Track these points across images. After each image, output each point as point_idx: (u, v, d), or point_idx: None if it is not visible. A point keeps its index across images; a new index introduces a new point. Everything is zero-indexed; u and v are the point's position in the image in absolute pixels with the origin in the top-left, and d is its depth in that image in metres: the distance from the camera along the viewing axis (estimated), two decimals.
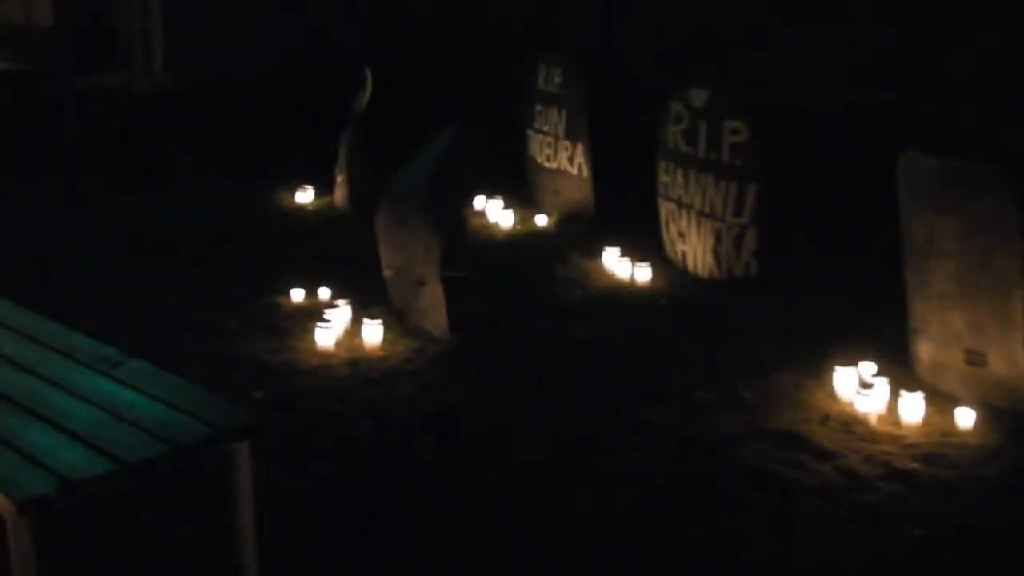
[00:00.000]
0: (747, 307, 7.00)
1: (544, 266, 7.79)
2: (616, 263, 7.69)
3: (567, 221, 8.84)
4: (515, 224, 8.82)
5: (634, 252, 7.76)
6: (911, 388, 5.60)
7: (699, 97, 7.51)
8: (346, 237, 8.47)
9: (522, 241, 8.48)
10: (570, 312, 6.98)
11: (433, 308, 6.54)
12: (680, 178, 7.70)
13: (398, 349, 6.36)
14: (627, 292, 7.34)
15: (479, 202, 9.34)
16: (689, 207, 7.64)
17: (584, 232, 8.56)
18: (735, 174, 7.30)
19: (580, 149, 8.80)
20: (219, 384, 5.60)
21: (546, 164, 9.22)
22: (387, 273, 6.93)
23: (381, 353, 6.30)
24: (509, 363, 6.15)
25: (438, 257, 6.43)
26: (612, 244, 7.94)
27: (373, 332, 6.36)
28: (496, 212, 9.09)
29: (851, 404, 5.68)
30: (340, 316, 6.54)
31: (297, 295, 7.11)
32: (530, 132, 9.49)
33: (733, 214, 7.35)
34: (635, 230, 8.23)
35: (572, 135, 8.88)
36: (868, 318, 6.68)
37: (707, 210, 7.50)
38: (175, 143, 10.98)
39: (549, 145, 9.16)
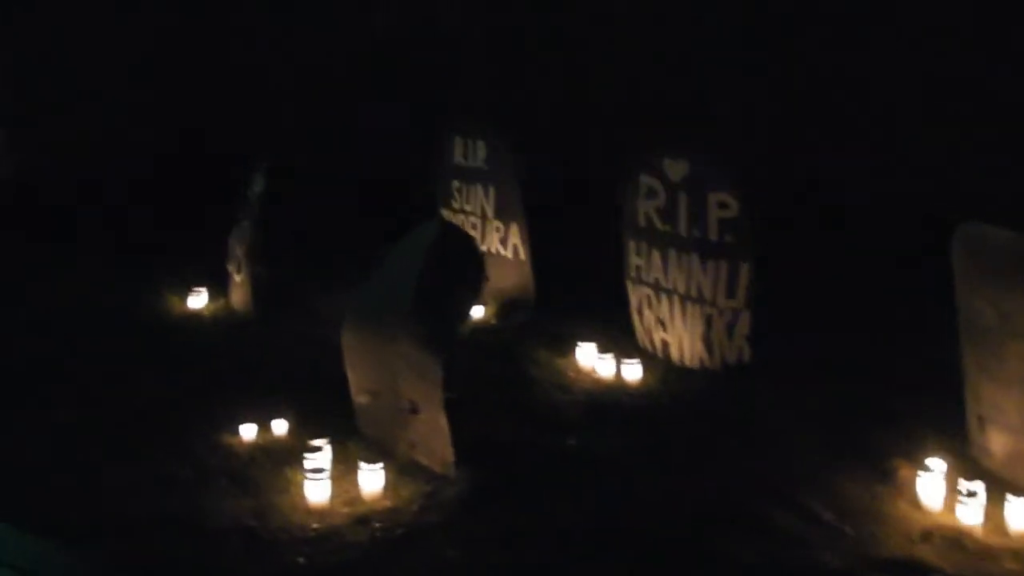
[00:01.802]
0: (761, 399, 6.27)
1: (512, 368, 6.89)
2: (594, 360, 6.81)
3: (507, 309, 7.92)
4: None
5: (602, 343, 6.96)
6: (976, 480, 5.07)
7: (676, 169, 6.76)
8: (264, 349, 7.36)
9: (469, 338, 7.48)
10: (573, 424, 6.11)
11: (431, 439, 5.53)
12: (657, 260, 6.92)
13: (404, 495, 5.34)
14: (622, 394, 6.52)
15: None
16: (670, 291, 6.87)
17: (531, 322, 7.66)
18: (725, 253, 6.56)
19: (514, 229, 7.94)
20: (209, 568, 4.62)
21: None
22: (361, 399, 5.87)
23: (387, 503, 5.27)
24: (538, 501, 5.24)
25: (439, 379, 5.41)
26: (570, 334, 7.18)
27: (373, 478, 5.29)
28: None
29: (943, 512, 5.12)
30: (322, 461, 5.42)
31: (247, 431, 5.94)
32: (446, 212, 8.52)
33: (725, 296, 6.60)
34: (587, 317, 7.41)
35: (504, 214, 8.00)
36: (897, 402, 6.18)
37: (693, 294, 6.72)
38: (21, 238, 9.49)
39: (474, 227, 8.24)
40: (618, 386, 6.62)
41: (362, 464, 5.37)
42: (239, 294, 8.09)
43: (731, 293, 6.60)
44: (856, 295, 7.66)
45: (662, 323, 6.96)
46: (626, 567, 4.68)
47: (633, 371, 6.65)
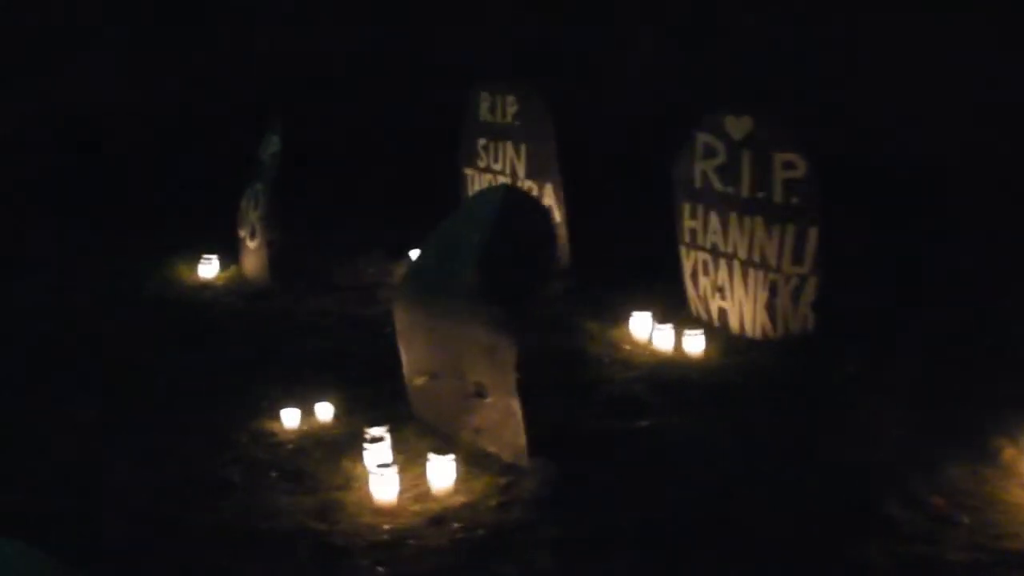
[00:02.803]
0: (836, 373, 5.82)
1: (566, 341, 6.39)
2: (650, 331, 6.34)
3: None
4: None
5: (656, 313, 6.54)
6: None
7: (739, 126, 6.28)
8: (288, 323, 6.84)
9: None
10: (642, 405, 5.65)
11: (501, 426, 5.06)
12: (715, 223, 6.45)
13: (477, 489, 4.86)
14: (687, 369, 6.05)
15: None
16: (730, 256, 6.39)
17: (573, 289, 7.16)
18: (792, 215, 6.10)
19: (549, 190, 7.44)
20: None
21: None
22: (417, 381, 5.36)
23: (460, 498, 4.78)
24: (624, 495, 4.76)
25: (511, 362, 4.93)
26: (617, 303, 6.77)
27: (444, 470, 4.80)
28: None
29: None
30: (384, 452, 4.93)
31: (290, 418, 5.43)
32: (470, 171, 8.03)
33: (791, 262, 6.14)
34: (630, 284, 6.95)
35: (537, 174, 7.50)
36: (980, 376, 5.77)
37: (757, 259, 6.26)
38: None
39: None
40: (681, 360, 6.17)
41: (431, 455, 4.87)
42: (253, 262, 7.55)
43: (797, 258, 6.16)
44: (926, 265, 7.21)
45: (720, 290, 6.51)
46: (736, 572, 4.21)
47: (695, 343, 6.19)
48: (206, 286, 7.55)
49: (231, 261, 7.79)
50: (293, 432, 5.42)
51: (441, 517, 4.65)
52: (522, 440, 5.01)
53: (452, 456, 4.89)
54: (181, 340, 6.57)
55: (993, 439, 5.12)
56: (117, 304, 7.17)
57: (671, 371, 6.03)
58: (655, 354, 6.25)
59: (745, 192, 6.28)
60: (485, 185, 7.93)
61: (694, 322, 6.62)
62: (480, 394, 5.12)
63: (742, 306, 6.41)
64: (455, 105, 8.18)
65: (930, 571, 4.24)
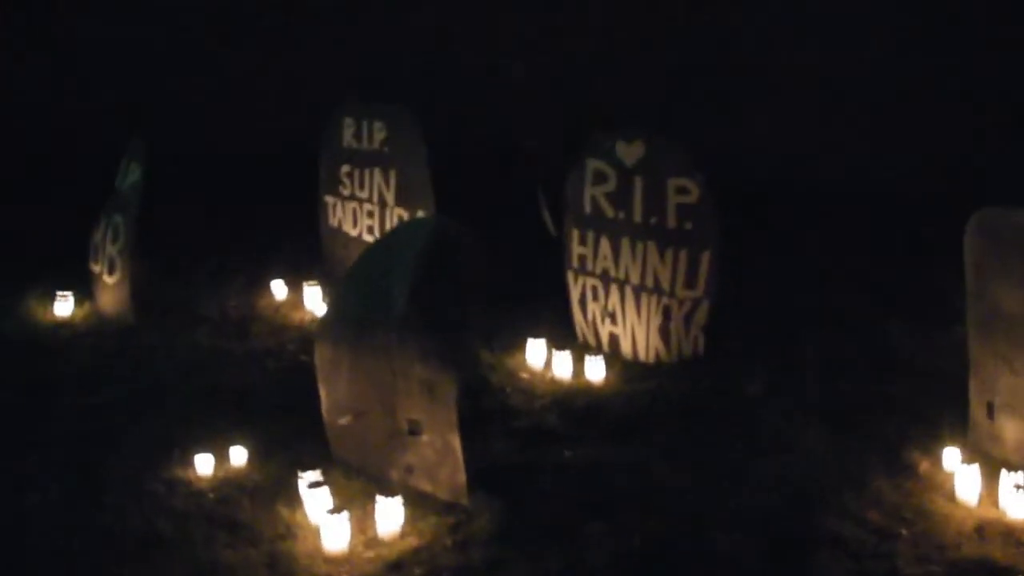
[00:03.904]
0: (741, 393, 5.98)
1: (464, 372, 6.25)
2: (546, 358, 6.34)
3: None
4: None
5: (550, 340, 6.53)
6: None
7: (630, 152, 6.36)
8: (164, 362, 6.54)
9: None
10: (559, 435, 5.66)
11: (438, 464, 4.97)
12: (606, 248, 6.52)
13: (425, 529, 4.76)
14: (593, 396, 6.06)
15: (278, 289, 7.57)
16: (622, 282, 6.46)
17: None
18: (685, 240, 6.22)
19: (421, 216, 7.29)
20: None
21: (366, 236, 7.61)
22: (342, 420, 5.19)
23: (412, 541, 4.66)
24: (576, 528, 4.74)
25: (451, 397, 4.84)
26: (504, 329, 6.70)
27: (392, 513, 4.67)
28: (315, 300, 7.39)
29: (983, 506, 4.94)
30: (325, 496, 4.76)
31: (203, 464, 5.17)
32: (331, 199, 7.83)
33: (684, 286, 6.27)
34: (512, 310, 6.93)
35: (408, 200, 7.36)
36: (871, 388, 6.08)
37: (649, 284, 6.36)
38: None
39: (370, 214, 7.56)
40: (584, 387, 6.19)
41: (379, 498, 4.71)
42: (112, 298, 7.14)
43: (690, 283, 6.27)
44: (811, 282, 7.48)
45: (611, 316, 6.55)
46: None
47: (596, 369, 6.21)
48: (63, 325, 7.09)
49: (84, 297, 7.31)
50: (209, 479, 5.16)
51: (399, 563, 4.52)
52: (462, 477, 4.92)
53: (400, 498, 4.72)
54: (55, 386, 6.13)
55: (907, 453, 5.35)
56: None
57: (578, 399, 6.03)
58: (555, 382, 6.25)
59: (637, 217, 6.35)
60: (348, 213, 7.77)
61: (583, 348, 6.63)
62: (414, 431, 4.99)
63: (634, 331, 6.48)
64: (311, 130, 7.94)
65: None
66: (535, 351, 6.42)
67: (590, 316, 6.68)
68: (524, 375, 6.33)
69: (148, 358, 6.55)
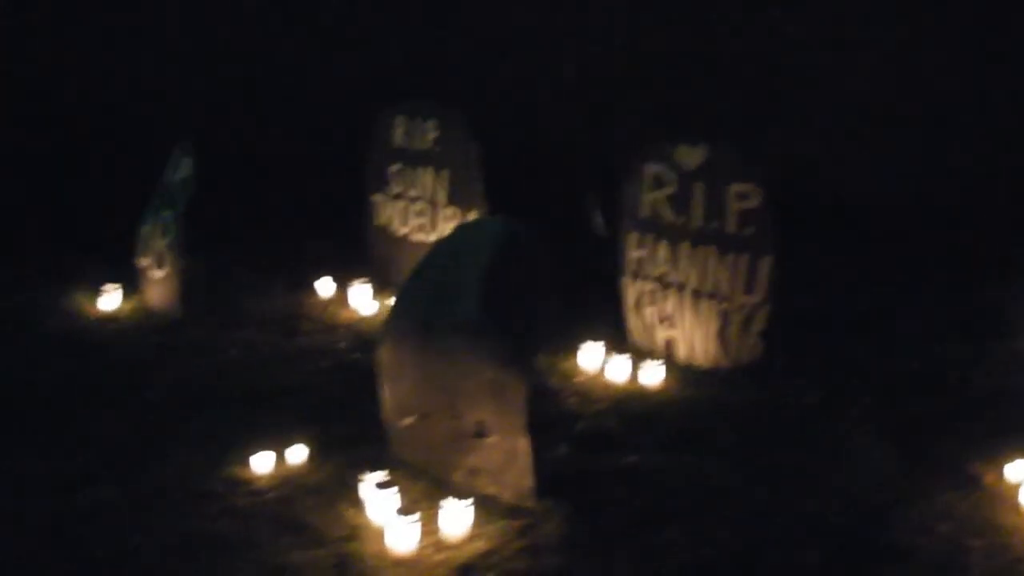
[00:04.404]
0: (800, 404, 5.87)
1: None
2: (601, 362, 6.27)
3: None
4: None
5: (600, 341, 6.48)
6: None
7: (691, 156, 6.29)
8: (216, 356, 6.50)
9: None
10: (621, 440, 5.56)
11: (504, 467, 4.90)
12: (664, 252, 6.43)
13: (492, 533, 4.66)
14: (652, 401, 6.01)
15: (325, 288, 7.51)
16: (680, 286, 6.38)
17: None
18: (745, 245, 6.15)
19: (473, 216, 7.25)
20: None
21: (415, 236, 7.54)
22: (405, 421, 5.12)
23: (480, 544, 4.57)
24: (650, 536, 4.67)
25: (521, 400, 4.76)
26: (554, 332, 6.48)
27: (459, 516, 4.59)
28: (364, 298, 7.32)
29: None
30: (392, 498, 4.69)
31: (262, 463, 5.10)
32: (379, 198, 7.76)
33: (744, 291, 6.19)
34: (562, 312, 6.82)
35: (460, 200, 7.32)
36: (938, 401, 5.98)
37: (708, 289, 6.28)
38: None
39: (420, 213, 7.49)
40: (641, 392, 6.11)
41: (447, 500, 4.63)
42: (160, 292, 7.09)
43: (750, 288, 6.19)
44: (862, 294, 7.40)
45: (667, 320, 6.48)
46: None
47: (654, 374, 6.14)
48: (110, 319, 7.02)
49: (131, 291, 7.26)
50: (269, 478, 5.09)
51: (468, 566, 4.45)
52: (528, 481, 4.85)
53: (469, 501, 4.65)
54: (104, 382, 6.06)
55: (971, 465, 5.25)
56: (20, 346, 6.56)
57: (635, 404, 5.96)
58: (611, 386, 6.17)
59: (697, 222, 6.28)
60: (397, 212, 7.70)
61: (638, 352, 6.56)
62: (480, 434, 4.92)
63: (692, 336, 6.40)
64: (356, 129, 7.88)
65: None
66: (590, 354, 6.33)
67: (646, 320, 6.60)
68: (579, 379, 6.26)
69: (197, 354, 6.50)
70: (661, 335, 6.56)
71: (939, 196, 8.33)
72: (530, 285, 5.00)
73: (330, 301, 7.44)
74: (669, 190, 6.37)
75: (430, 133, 7.39)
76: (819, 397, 5.95)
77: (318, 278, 7.60)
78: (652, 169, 6.41)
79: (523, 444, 4.80)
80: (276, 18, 9.52)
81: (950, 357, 6.51)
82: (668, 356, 6.51)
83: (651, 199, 6.45)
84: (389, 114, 7.62)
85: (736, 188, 6.16)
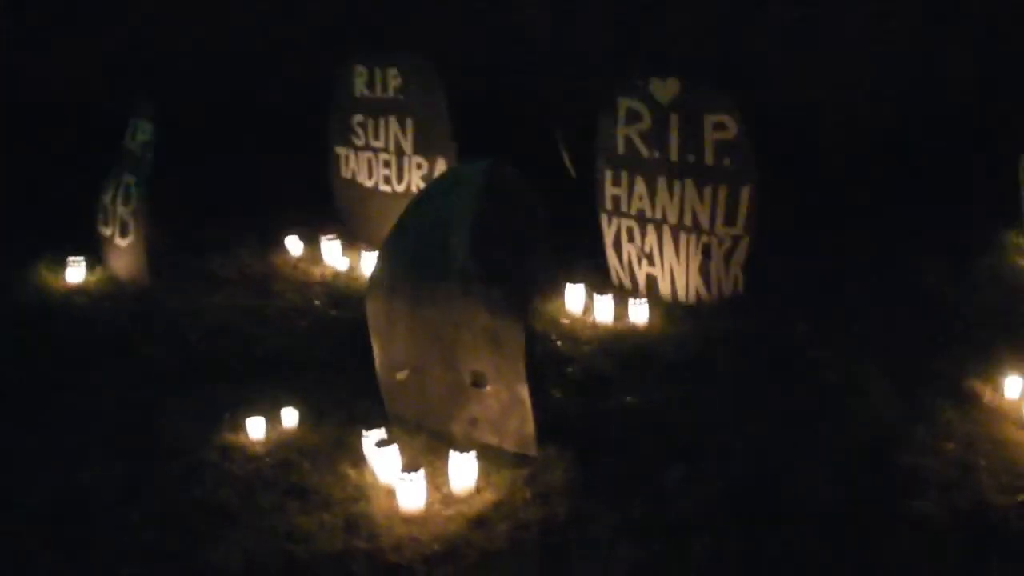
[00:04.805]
0: (788, 330, 5.84)
1: None
2: (585, 303, 6.19)
3: None
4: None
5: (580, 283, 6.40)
6: None
7: (665, 90, 6.19)
8: (191, 321, 6.36)
9: None
10: (615, 380, 5.50)
11: (504, 416, 4.82)
12: (641, 188, 6.36)
13: (499, 484, 4.59)
14: (642, 339, 5.96)
15: (294, 246, 7.36)
16: (659, 222, 6.31)
17: None
18: (724, 177, 6.08)
19: (442, 165, 7.12)
20: None
21: (383, 187, 7.40)
22: (399, 375, 5.02)
23: (490, 496, 4.51)
24: (654, 476, 4.64)
25: (519, 347, 4.69)
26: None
27: (465, 468, 4.51)
28: (334, 254, 7.18)
29: None
30: (393, 455, 4.60)
31: (255, 427, 4.99)
32: (343, 150, 7.61)
33: (724, 224, 6.13)
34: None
35: (428, 149, 7.16)
36: (920, 320, 6.02)
37: (688, 223, 6.21)
38: None
39: (387, 164, 7.34)
40: (629, 331, 6.05)
41: (452, 453, 4.55)
42: (126, 261, 6.90)
43: (730, 220, 6.12)
44: (834, 220, 7.37)
45: (648, 256, 6.40)
46: (815, 537, 4.16)
47: (640, 312, 6.07)
48: (77, 291, 6.82)
49: (96, 261, 7.06)
50: (264, 443, 4.97)
51: (481, 519, 4.38)
52: (530, 428, 4.79)
53: (473, 453, 4.57)
54: (87, 354, 5.89)
55: (967, 384, 5.26)
56: None
57: (625, 343, 5.90)
58: (598, 326, 6.10)
59: (674, 156, 6.20)
60: (363, 164, 7.55)
61: (619, 290, 6.49)
62: (478, 384, 4.83)
63: (673, 271, 6.35)
64: (317, 80, 7.69)
65: (984, 517, 4.27)
66: (574, 296, 6.25)
67: (625, 258, 6.54)
68: (565, 321, 6.19)
69: (172, 322, 6.33)
70: (642, 272, 6.48)
71: (894, 118, 8.32)
72: (522, 228, 4.88)
73: (300, 258, 7.28)
74: (644, 125, 6.25)
75: (392, 81, 7.20)
76: (809, 326, 5.88)
77: (285, 235, 7.42)
78: (625, 103, 6.29)
79: (523, 392, 4.72)
80: None
81: (929, 277, 6.50)
82: (650, 293, 6.42)
83: (625, 134, 6.33)
84: (349, 63, 7.41)
85: (712, 119, 6.07)
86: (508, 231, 4.84)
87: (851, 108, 8.17)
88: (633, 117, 6.28)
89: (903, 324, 5.93)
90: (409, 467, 4.48)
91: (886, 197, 7.72)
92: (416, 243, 4.93)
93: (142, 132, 6.77)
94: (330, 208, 7.74)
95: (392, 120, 7.28)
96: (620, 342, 5.90)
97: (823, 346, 5.70)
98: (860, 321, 5.96)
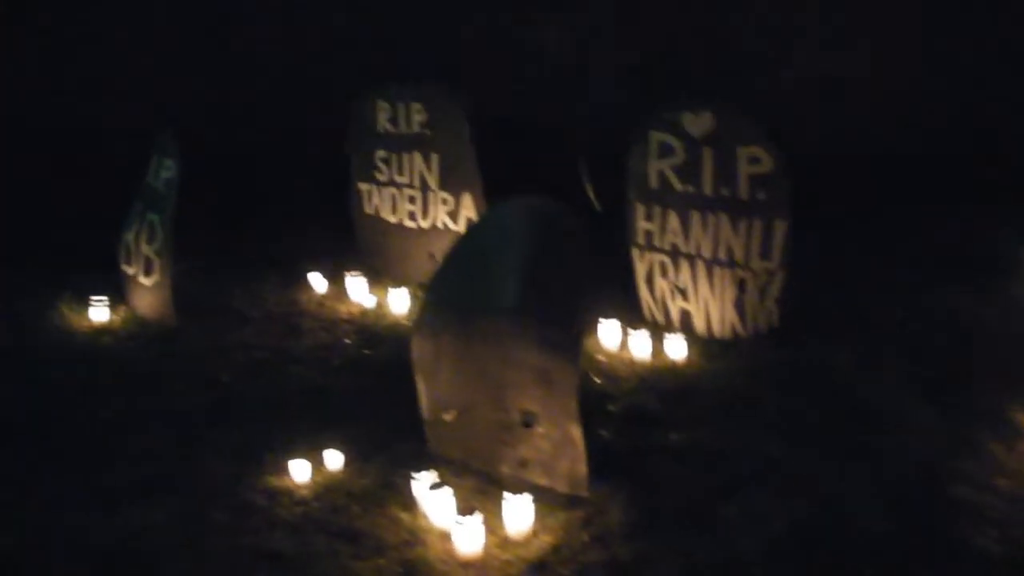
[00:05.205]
0: (827, 365, 5.80)
1: None
2: (621, 338, 6.15)
3: None
4: (408, 308, 6.89)
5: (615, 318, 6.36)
6: None
7: (698, 123, 6.15)
8: (221, 361, 6.33)
9: None
10: (663, 419, 5.42)
11: (555, 456, 4.76)
12: (674, 223, 6.31)
13: (554, 526, 4.52)
14: (683, 375, 5.93)
15: (317, 282, 7.30)
16: (692, 256, 6.27)
17: None
18: (759, 210, 6.04)
19: (468, 200, 7.08)
20: None
21: (408, 223, 7.35)
22: (446, 416, 4.96)
23: (548, 539, 4.43)
24: (714, 519, 4.57)
25: (571, 386, 4.63)
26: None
27: (521, 510, 4.44)
28: (360, 291, 7.13)
29: None
30: (447, 498, 4.53)
31: (299, 470, 4.91)
32: (365, 186, 7.55)
33: (759, 258, 6.09)
34: None
35: (453, 185, 7.11)
36: (959, 351, 5.98)
37: (723, 257, 6.17)
38: None
39: (412, 200, 7.29)
40: (668, 366, 5.99)
41: (507, 496, 4.48)
42: (150, 300, 6.82)
43: (766, 253, 6.08)
44: (858, 251, 7.36)
45: (681, 291, 6.35)
46: (879, 574, 4.11)
47: (677, 347, 6.02)
48: (102, 331, 6.73)
49: (119, 301, 6.98)
50: (309, 486, 4.89)
51: (542, 563, 4.31)
52: (583, 469, 4.72)
53: (529, 495, 4.50)
54: (115, 395, 5.81)
55: (1011, 414, 5.23)
56: (19, 362, 6.27)
57: (665, 379, 5.85)
58: (635, 362, 6.04)
59: (708, 190, 6.16)
60: (387, 200, 7.50)
61: (652, 325, 6.44)
62: (528, 423, 4.77)
63: (708, 306, 6.30)
64: (338, 117, 7.65)
65: None
66: (608, 332, 6.20)
67: (658, 293, 6.48)
68: (601, 357, 6.13)
69: (202, 361, 6.25)
70: (675, 307, 6.43)
71: (912, 144, 8.33)
72: (573, 265, 4.83)
73: (325, 296, 7.21)
74: (677, 159, 6.22)
75: (416, 116, 7.16)
76: (849, 358, 5.84)
77: (308, 272, 7.36)
78: (657, 137, 6.26)
79: (576, 431, 4.66)
80: (250, 6, 9.16)
81: (958, 305, 6.48)
82: (683, 328, 6.38)
83: (658, 168, 6.30)
84: (371, 99, 7.37)
85: (746, 152, 6.04)
86: (559, 268, 4.79)
87: (868, 129, 8.15)
88: (666, 151, 6.25)
89: (940, 352, 5.92)
90: (465, 510, 4.38)
91: (910, 219, 7.70)
92: (465, 281, 4.88)
93: (166, 169, 6.70)
94: (352, 245, 7.67)
95: (416, 155, 7.23)
96: (659, 378, 5.85)
97: (863, 378, 5.64)
98: (897, 350, 5.92)
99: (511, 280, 4.70)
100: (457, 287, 4.88)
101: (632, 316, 6.52)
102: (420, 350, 4.96)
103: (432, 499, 4.51)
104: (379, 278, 7.31)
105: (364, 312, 6.92)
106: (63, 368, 6.12)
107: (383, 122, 7.34)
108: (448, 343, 4.86)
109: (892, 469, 4.83)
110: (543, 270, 4.72)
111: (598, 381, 5.77)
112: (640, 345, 6.09)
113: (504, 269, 4.74)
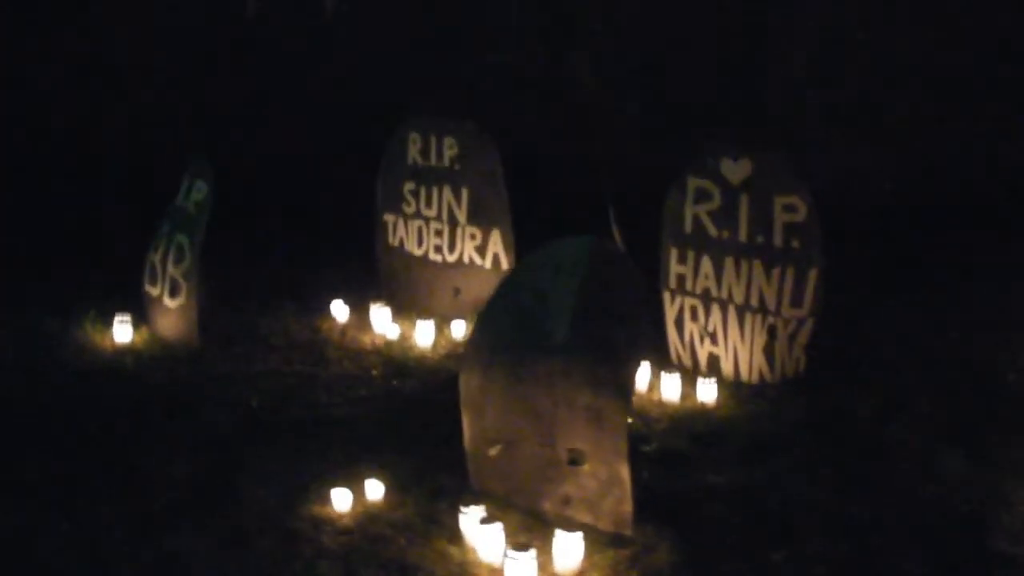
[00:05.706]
0: (854, 411, 5.84)
1: None
2: (649, 380, 6.18)
3: None
4: (434, 340, 6.89)
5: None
6: None
7: (737, 170, 6.21)
8: (248, 386, 6.32)
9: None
10: (697, 462, 5.44)
11: (601, 495, 4.76)
12: (707, 268, 6.35)
13: (602, 564, 4.54)
14: (713, 419, 5.94)
15: (339, 311, 7.30)
16: (724, 301, 6.32)
17: None
18: (792, 258, 6.11)
19: (496, 236, 7.10)
20: None
21: (433, 256, 7.36)
22: (491, 451, 4.96)
23: None
24: (754, 557, 4.59)
25: (621, 425, 4.65)
26: None
27: (571, 547, 4.45)
28: (383, 321, 7.13)
29: None
30: (497, 533, 4.53)
31: (341, 500, 4.89)
32: (391, 217, 7.57)
33: (790, 305, 6.15)
34: None
35: (481, 219, 7.14)
36: (987, 398, 6.06)
37: (754, 303, 6.22)
38: None
39: (438, 233, 7.31)
40: (699, 410, 6.03)
41: (559, 532, 4.48)
42: (174, 322, 6.79)
43: (796, 302, 6.14)
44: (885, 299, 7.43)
45: (711, 336, 6.40)
46: None
47: (708, 391, 6.06)
48: (125, 351, 6.69)
49: (140, 320, 6.95)
50: (353, 515, 4.87)
51: None
52: (628, 508, 4.74)
53: (580, 533, 4.50)
54: (148, 419, 5.76)
55: None
56: (45, 382, 6.22)
57: (697, 422, 5.87)
58: (665, 405, 6.07)
59: (743, 236, 6.21)
60: (412, 232, 7.51)
61: (679, 368, 6.47)
62: (574, 461, 4.78)
63: (737, 351, 6.33)
64: (370, 146, 7.68)
65: None
66: (640, 374, 6.21)
67: (687, 336, 6.52)
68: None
69: (229, 386, 6.23)
70: (704, 351, 6.47)
71: (930, 194, 8.44)
72: (625, 304, 4.86)
73: (347, 325, 7.20)
74: (713, 204, 6.28)
75: (448, 151, 7.19)
76: (876, 406, 5.90)
77: (330, 300, 7.36)
78: (695, 182, 6.31)
79: (624, 471, 4.68)
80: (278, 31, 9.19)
81: (982, 354, 6.55)
82: (711, 372, 6.41)
83: (694, 213, 6.35)
84: (403, 131, 7.40)
85: (782, 200, 6.10)
86: (611, 307, 4.81)
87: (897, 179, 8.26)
88: (702, 196, 6.31)
89: (967, 400, 5.98)
90: (517, 546, 4.38)
91: (933, 266, 7.81)
92: (515, 318, 4.90)
93: (197, 191, 6.69)
94: (374, 275, 7.67)
95: (446, 189, 7.25)
96: (692, 421, 5.88)
97: (893, 426, 5.69)
98: (924, 398, 5.98)
99: (563, 317, 4.72)
100: (507, 323, 4.89)
101: (659, 357, 6.51)
102: (468, 383, 4.96)
103: (482, 534, 4.48)
104: (404, 310, 7.29)
105: (388, 343, 6.92)
106: (90, 388, 6.09)
107: (414, 154, 7.36)
108: (497, 378, 4.88)
109: (928, 518, 4.85)
110: (594, 309, 4.74)
111: (631, 421, 5.77)
112: (670, 387, 6.10)
113: (555, 307, 4.76)
